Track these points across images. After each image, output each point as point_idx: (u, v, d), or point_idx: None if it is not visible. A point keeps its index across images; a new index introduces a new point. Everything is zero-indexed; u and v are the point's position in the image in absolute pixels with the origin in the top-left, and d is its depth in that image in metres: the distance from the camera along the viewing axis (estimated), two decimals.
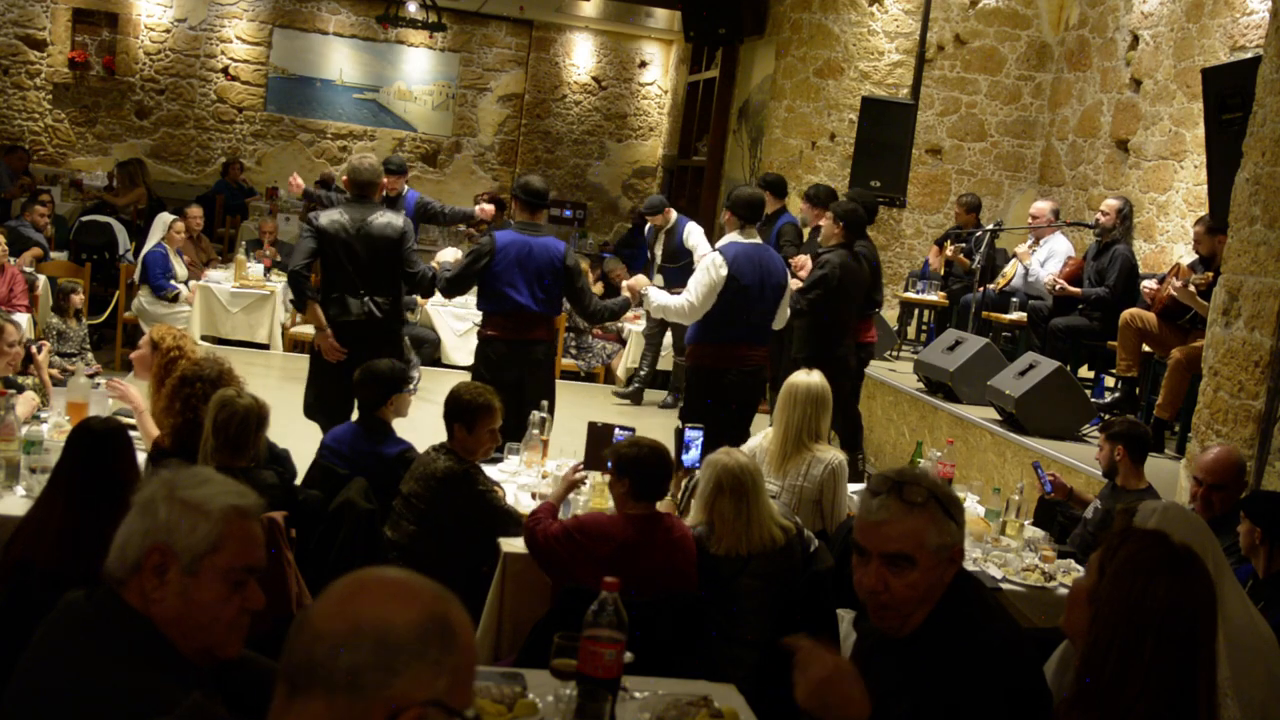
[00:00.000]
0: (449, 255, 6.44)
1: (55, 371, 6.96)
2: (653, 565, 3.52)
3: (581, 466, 4.28)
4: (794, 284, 6.61)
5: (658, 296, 6.02)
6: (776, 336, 6.37)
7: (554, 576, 3.71)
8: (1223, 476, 4.20)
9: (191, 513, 1.94)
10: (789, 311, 6.16)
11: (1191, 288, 6.28)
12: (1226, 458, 4.28)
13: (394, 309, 5.94)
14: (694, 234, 9.03)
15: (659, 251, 9.27)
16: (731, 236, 5.94)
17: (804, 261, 7.06)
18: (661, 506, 4.35)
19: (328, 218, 5.85)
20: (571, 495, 4.22)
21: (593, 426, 4.91)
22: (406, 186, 8.90)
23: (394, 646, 1.41)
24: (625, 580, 3.41)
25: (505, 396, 5.36)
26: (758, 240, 5.99)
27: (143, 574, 1.92)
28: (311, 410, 6.04)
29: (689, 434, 4.59)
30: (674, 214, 9.28)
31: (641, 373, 9.61)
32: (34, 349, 5.83)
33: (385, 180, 8.65)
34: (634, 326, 9.83)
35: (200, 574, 1.91)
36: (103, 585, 1.96)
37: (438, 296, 9.51)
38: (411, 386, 4.81)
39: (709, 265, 5.83)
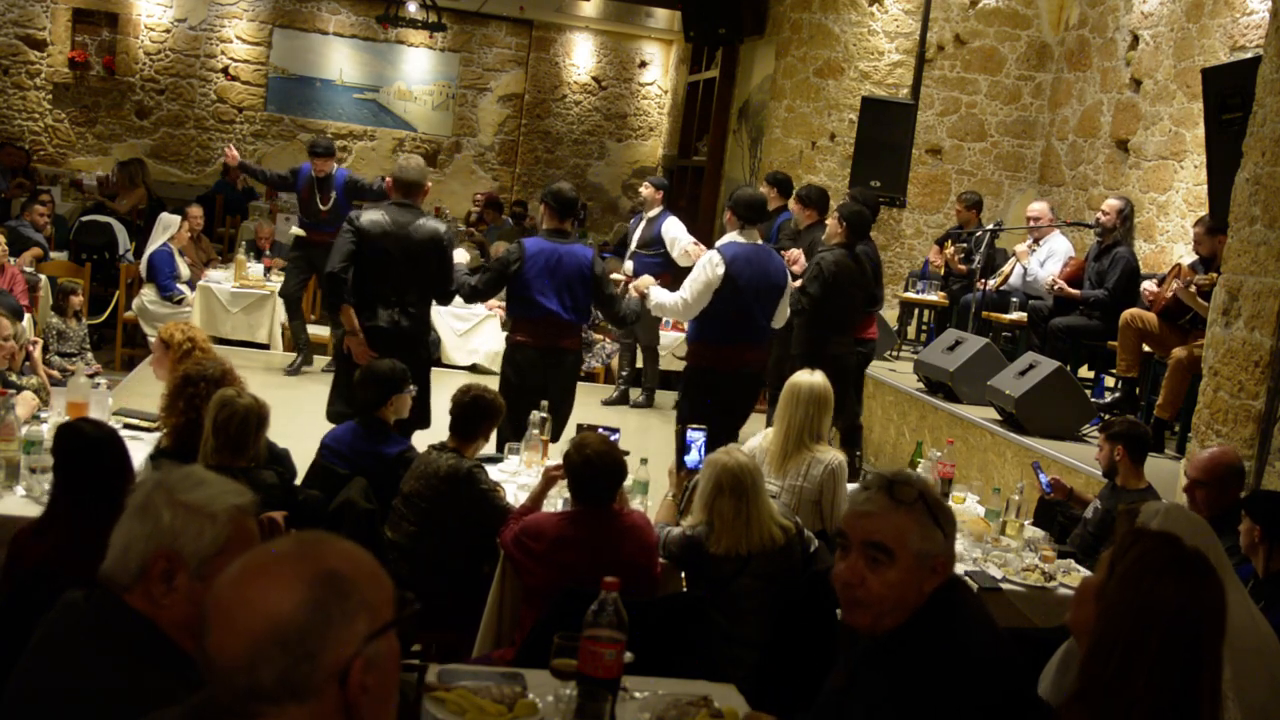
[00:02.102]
0: (460, 257, 6.40)
1: (55, 372, 6.97)
2: (595, 558, 3.53)
3: (560, 466, 4.26)
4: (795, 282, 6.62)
5: (658, 294, 6.03)
6: (774, 335, 6.38)
7: (521, 579, 3.75)
8: (1207, 474, 4.21)
9: (197, 517, 1.92)
10: (789, 310, 6.15)
11: (1193, 288, 6.28)
12: (1219, 456, 4.28)
13: (423, 319, 5.88)
14: (673, 227, 9.00)
15: (636, 237, 9.26)
16: (731, 236, 5.93)
17: (796, 255, 7.08)
18: (664, 506, 4.37)
19: (369, 217, 5.72)
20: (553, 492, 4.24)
21: (580, 429, 4.93)
22: (336, 165, 9.10)
23: (299, 635, 1.40)
24: (569, 574, 3.45)
25: (530, 402, 5.41)
26: (758, 241, 5.97)
27: (149, 581, 1.91)
28: (336, 416, 5.91)
29: (690, 435, 4.59)
30: (660, 205, 9.25)
31: (623, 373, 9.61)
32: (29, 347, 5.85)
33: (316, 162, 8.86)
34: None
35: (209, 578, 1.89)
36: (100, 587, 1.96)
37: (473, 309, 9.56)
38: (410, 387, 4.82)
39: (705, 263, 5.82)
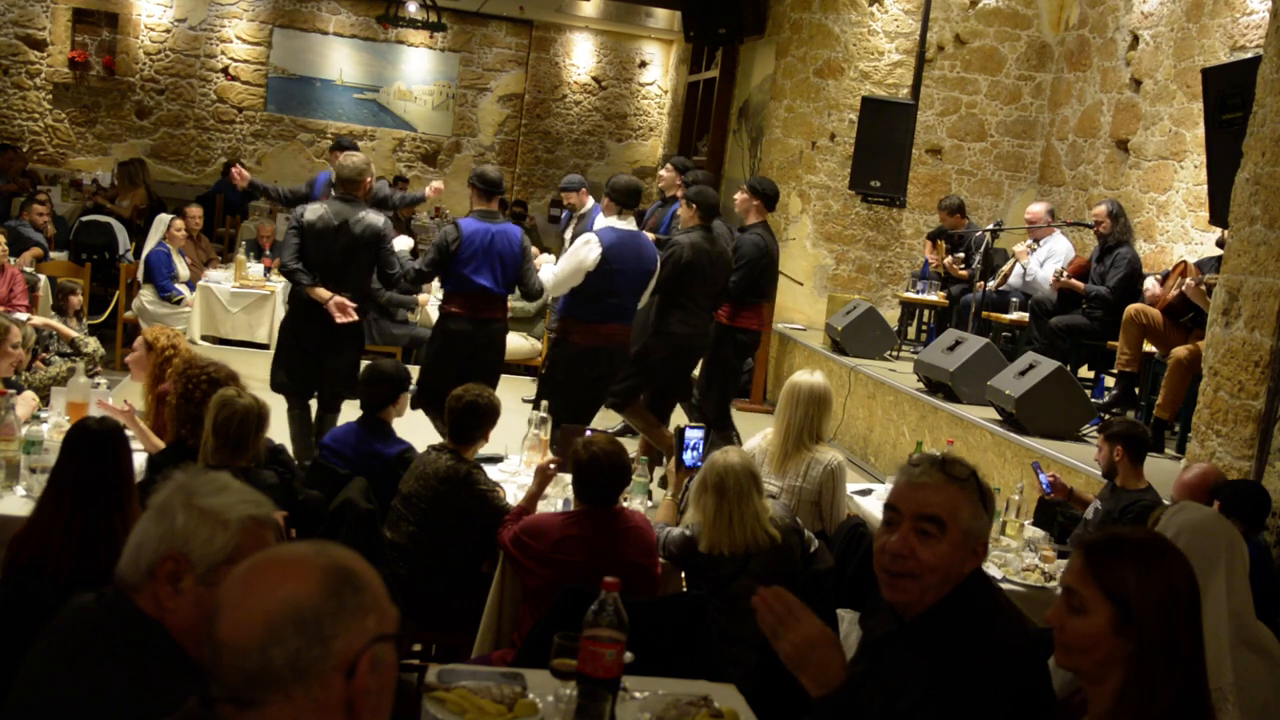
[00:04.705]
0: (401, 244, 6.67)
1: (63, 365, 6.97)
2: (597, 558, 3.54)
3: (553, 462, 4.28)
4: None
5: (543, 272, 6.41)
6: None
7: (521, 579, 3.75)
8: (1193, 496, 4.24)
9: (210, 522, 1.92)
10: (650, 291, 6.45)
11: (1202, 286, 6.27)
12: (1201, 479, 4.34)
13: (360, 304, 6.20)
14: (600, 222, 8.95)
15: (568, 236, 9.21)
16: (609, 221, 6.26)
17: None
18: (664, 506, 4.37)
19: (313, 212, 6.13)
20: (553, 492, 4.25)
21: (565, 428, 4.94)
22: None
23: (314, 619, 1.44)
24: (570, 574, 3.45)
25: (458, 369, 5.86)
26: (633, 226, 6.32)
27: (157, 581, 1.91)
28: (280, 386, 6.28)
29: (689, 434, 4.59)
30: (590, 200, 9.15)
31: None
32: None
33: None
34: None
35: (216, 584, 1.89)
36: (112, 588, 1.95)
37: (438, 295, 9.57)
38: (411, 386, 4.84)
39: (579, 244, 6.18)
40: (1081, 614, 1.95)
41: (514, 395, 8.17)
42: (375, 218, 6.17)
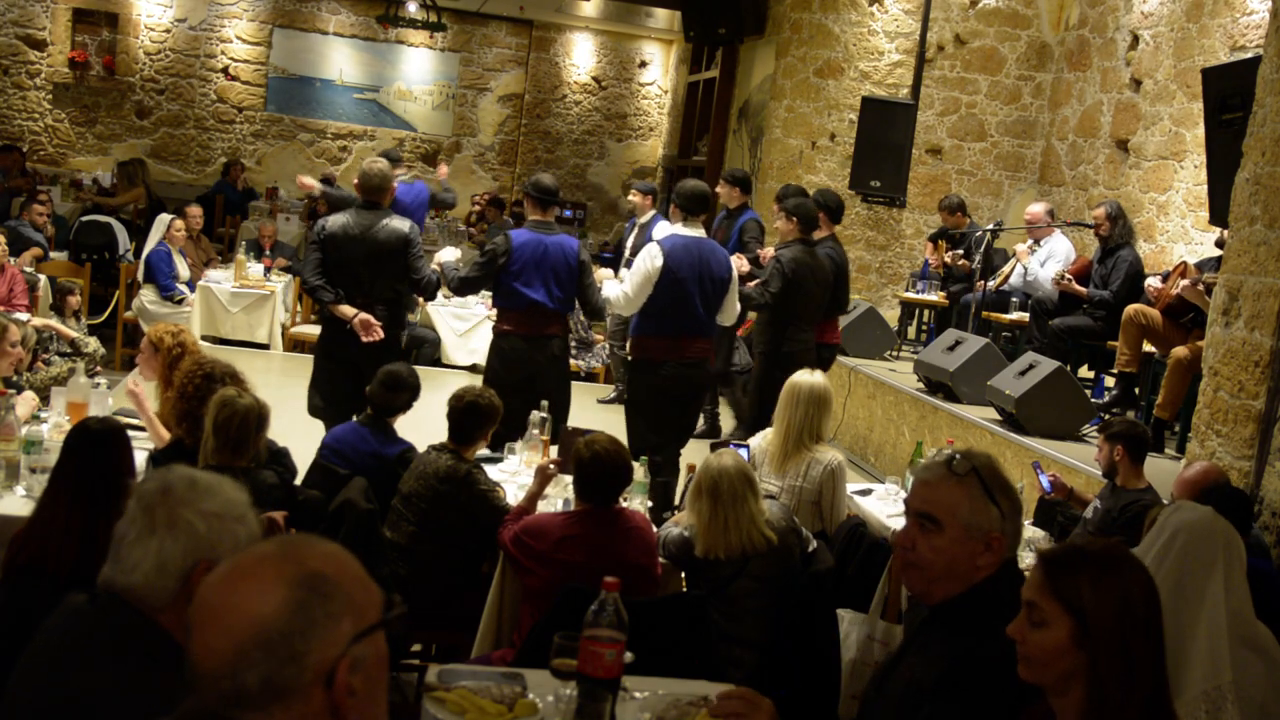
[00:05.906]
0: (449, 255, 6.42)
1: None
2: (597, 557, 3.55)
3: (554, 463, 4.28)
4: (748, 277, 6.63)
5: (608, 288, 6.10)
6: (725, 331, 6.40)
7: (521, 579, 3.76)
8: (1195, 494, 4.23)
9: (229, 522, 1.95)
10: (738, 306, 6.16)
11: (1200, 286, 6.27)
12: (1202, 478, 4.31)
13: (393, 316, 5.97)
14: (661, 231, 8.95)
15: (629, 244, 9.19)
16: (675, 227, 5.99)
17: (767, 254, 7.10)
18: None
19: (335, 223, 5.88)
20: (553, 492, 4.25)
21: (565, 431, 4.93)
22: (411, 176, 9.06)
23: (283, 637, 1.39)
24: (571, 573, 3.45)
25: (517, 391, 5.46)
26: (700, 233, 5.98)
27: (193, 589, 1.91)
28: (317, 411, 6.04)
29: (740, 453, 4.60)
30: (652, 210, 9.15)
31: (619, 371, 9.59)
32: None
33: (392, 187, 8.77)
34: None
35: None
36: (105, 590, 1.95)
37: (441, 299, 9.55)
38: None
39: (644, 255, 5.86)
40: (1042, 627, 1.97)
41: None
42: (400, 223, 5.92)
